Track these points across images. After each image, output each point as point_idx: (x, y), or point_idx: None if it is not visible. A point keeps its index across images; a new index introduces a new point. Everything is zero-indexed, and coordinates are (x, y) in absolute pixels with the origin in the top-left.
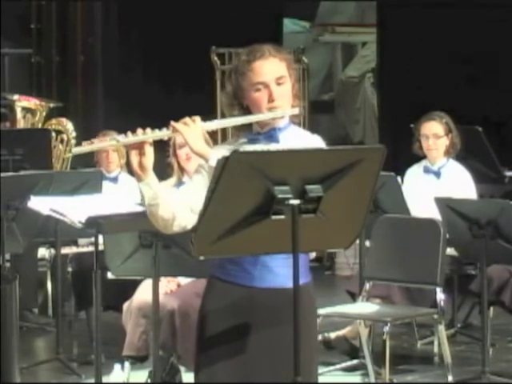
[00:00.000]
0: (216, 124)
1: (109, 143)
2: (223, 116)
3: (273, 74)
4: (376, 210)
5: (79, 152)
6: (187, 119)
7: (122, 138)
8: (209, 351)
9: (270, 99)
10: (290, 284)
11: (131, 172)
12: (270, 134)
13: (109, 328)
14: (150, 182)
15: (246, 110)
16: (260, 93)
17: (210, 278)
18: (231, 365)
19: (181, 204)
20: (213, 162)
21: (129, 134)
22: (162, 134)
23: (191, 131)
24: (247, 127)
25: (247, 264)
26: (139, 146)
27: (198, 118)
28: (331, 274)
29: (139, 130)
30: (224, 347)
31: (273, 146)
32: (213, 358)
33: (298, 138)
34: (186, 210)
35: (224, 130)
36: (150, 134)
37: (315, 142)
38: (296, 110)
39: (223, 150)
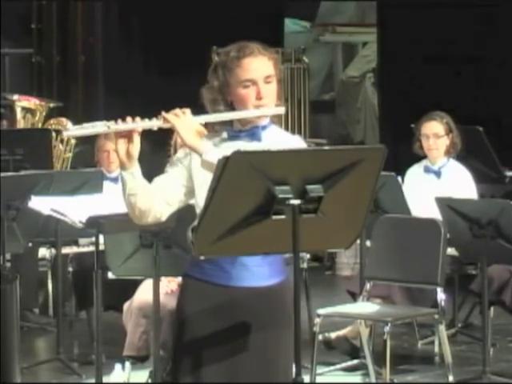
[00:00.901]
0: (204, 118)
1: (99, 129)
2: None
3: (262, 72)
4: (376, 209)
5: (69, 135)
6: (178, 111)
7: (112, 125)
8: (191, 352)
9: (258, 97)
10: (267, 283)
11: None
12: (253, 132)
13: (109, 328)
14: (134, 172)
15: (230, 106)
16: (248, 90)
17: (185, 277)
18: (213, 364)
19: (158, 196)
20: (206, 156)
21: (119, 121)
22: (153, 123)
23: (183, 123)
24: (228, 123)
25: (225, 263)
26: (128, 135)
27: (188, 111)
28: (332, 273)
29: (129, 118)
30: (205, 347)
31: (255, 144)
32: (195, 358)
33: (280, 138)
34: (163, 203)
35: None
36: (140, 123)
37: (296, 142)
38: (282, 109)
39: (211, 145)
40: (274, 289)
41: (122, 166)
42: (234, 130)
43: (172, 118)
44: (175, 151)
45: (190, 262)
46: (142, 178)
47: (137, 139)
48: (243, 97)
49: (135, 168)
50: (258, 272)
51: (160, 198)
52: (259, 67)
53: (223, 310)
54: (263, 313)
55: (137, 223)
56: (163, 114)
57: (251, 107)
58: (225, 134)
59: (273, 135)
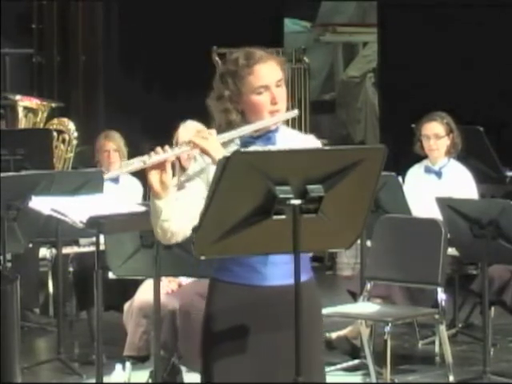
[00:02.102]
0: (228, 135)
1: (136, 166)
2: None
3: (273, 77)
4: (377, 209)
5: (111, 176)
6: (205, 133)
7: (147, 160)
8: (223, 354)
9: (273, 102)
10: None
11: (132, 172)
12: (268, 137)
13: (110, 328)
14: (170, 200)
15: (242, 115)
16: (262, 96)
17: (213, 281)
18: (247, 365)
19: (185, 215)
20: None
21: (151, 153)
22: (183, 150)
23: (213, 145)
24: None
25: (257, 263)
26: (161, 165)
27: (213, 131)
28: (332, 273)
29: (159, 149)
30: (239, 348)
31: (269, 148)
32: (229, 360)
33: (294, 139)
34: (189, 219)
35: None
36: (171, 152)
37: (310, 140)
38: (296, 112)
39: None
40: (304, 286)
41: (156, 196)
42: (247, 136)
43: (201, 142)
44: None
45: (216, 265)
46: (174, 203)
47: (169, 167)
48: (258, 104)
49: (170, 196)
50: (288, 269)
51: (186, 216)
52: (270, 72)
53: (256, 310)
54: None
55: (165, 244)
56: (192, 139)
57: (266, 113)
58: (237, 142)
59: (286, 137)
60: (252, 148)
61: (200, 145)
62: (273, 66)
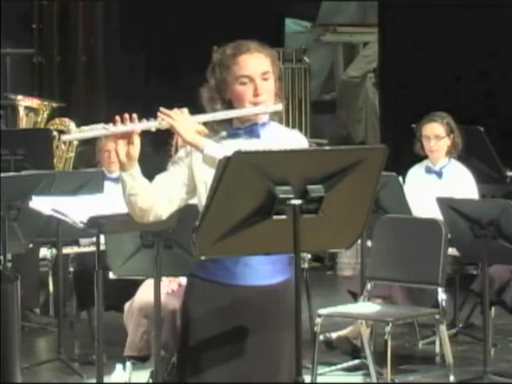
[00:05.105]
0: (202, 117)
1: (98, 132)
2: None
3: (258, 69)
4: (377, 209)
5: (68, 139)
6: (175, 110)
7: (110, 127)
8: (196, 352)
9: (255, 93)
10: (270, 281)
11: None
12: (251, 129)
13: (110, 328)
14: (134, 173)
15: (228, 105)
16: (245, 86)
17: (191, 277)
18: (217, 364)
19: (159, 194)
20: (208, 150)
21: (117, 123)
22: (151, 124)
23: (181, 122)
24: (227, 122)
25: (228, 262)
26: (128, 136)
27: (185, 110)
28: (333, 274)
29: (127, 117)
30: (210, 347)
31: (253, 142)
32: (200, 358)
33: (279, 134)
34: (164, 201)
35: None
36: (138, 124)
37: (295, 137)
38: (280, 106)
39: (212, 141)
40: (278, 288)
41: (122, 167)
42: (233, 128)
43: (169, 118)
44: (176, 151)
45: (195, 262)
46: (142, 178)
47: (137, 140)
48: (240, 93)
49: (135, 169)
50: (261, 270)
51: (161, 196)
52: (256, 64)
53: (227, 309)
54: (266, 311)
55: (138, 222)
56: (160, 114)
57: (248, 104)
58: (224, 133)
59: (272, 132)
60: (236, 140)
61: (169, 121)
62: (260, 58)
